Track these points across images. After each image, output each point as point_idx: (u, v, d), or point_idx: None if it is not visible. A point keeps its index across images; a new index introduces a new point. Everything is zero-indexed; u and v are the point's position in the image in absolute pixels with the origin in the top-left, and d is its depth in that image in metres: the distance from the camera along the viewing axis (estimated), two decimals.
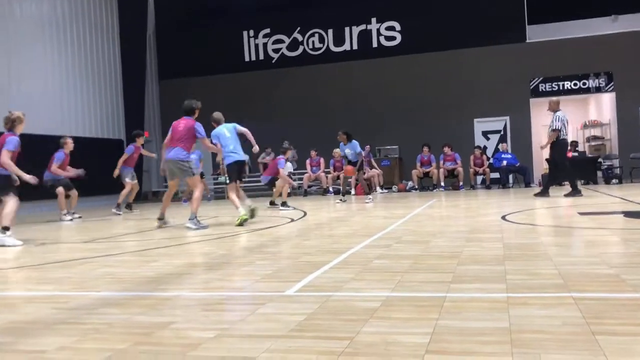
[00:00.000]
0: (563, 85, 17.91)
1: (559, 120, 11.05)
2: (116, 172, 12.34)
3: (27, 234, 8.72)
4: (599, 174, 16.27)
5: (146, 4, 20.10)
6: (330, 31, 19.73)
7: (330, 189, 17.04)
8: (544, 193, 11.21)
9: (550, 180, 11.61)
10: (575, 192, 10.96)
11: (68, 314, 3.28)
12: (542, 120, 20.25)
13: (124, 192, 12.35)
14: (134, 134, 13.19)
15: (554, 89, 17.98)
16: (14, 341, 2.75)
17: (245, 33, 20.47)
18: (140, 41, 19.49)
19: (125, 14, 19.10)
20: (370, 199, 12.48)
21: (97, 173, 12.69)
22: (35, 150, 10.81)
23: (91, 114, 17.31)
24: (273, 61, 20.23)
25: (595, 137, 18.83)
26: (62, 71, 16.52)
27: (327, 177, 17.10)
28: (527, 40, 18.09)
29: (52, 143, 11.72)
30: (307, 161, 17.46)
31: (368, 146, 17.37)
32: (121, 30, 19.13)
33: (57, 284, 4.34)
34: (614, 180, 15.67)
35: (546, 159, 12.31)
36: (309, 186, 17.55)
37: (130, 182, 12.47)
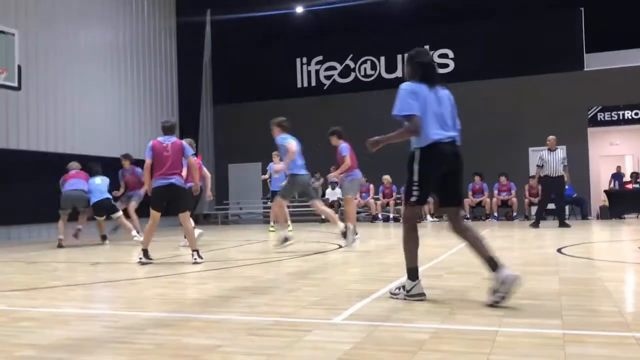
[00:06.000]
0: (623, 114, 17.32)
1: None
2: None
3: (82, 254, 9.00)
4: None
5: (204, 33, 20.76)
6: (382, 58, 19.81)
7: (380, 216, 16.92)
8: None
9: None
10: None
11: (118, 332, 3.34)
12: (600, 151, 19.64)
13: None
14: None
15: (613, 119, 17.41)
16: (67, 357, 2.82)
17: (298, 60, 20.79)
18: (197, 68, 20.10)
19: (183, 41, 19.75)
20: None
21: None
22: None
23: (148, 137, 17.83)
24: (325, 87, 20.42)
25: None
26: (122, 95, 17.15)
27: (376, 203, 17.01)
28: (585, 69, 17.65)
29: (110, 164, 12.15)
30: None
31: None
32: (179, 57, 19.77)
33: (109, 302, 4.44)
34: None
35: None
36: (358, 212, 17.47)
37: None
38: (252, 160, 20.41)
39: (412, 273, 4.04)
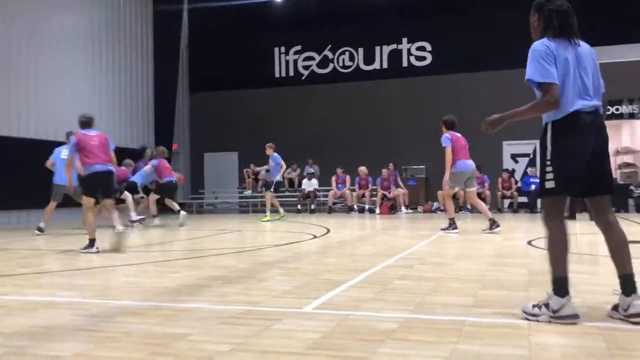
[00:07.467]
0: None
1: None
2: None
3: (53, 242, 8.88)
4: (630, 202, 15.89)
5: (180, 19, 20.50)
6: (360, 50, 19.80)
7: (355, 207, 16.98)
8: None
9: None
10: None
11: (87, 320, 3.31)
12: None
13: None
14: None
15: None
16: (32, 345, 2.78)
17: (276, 49, 20.68)
18: (173, 55, 19.84)
19: (159, 28, 19.49)
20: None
21: None
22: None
23: (122, 124, 17.60)
24: (303, 78, 20.36)
25: (627, 164, 18.41)
26: (97, 82, 16.86)
27: (352, 194, 17.07)
28: None
29: None
30: (333, 178, 17.46)
31: (391, 164, 17.20)
32: (155, 44, 19.51)
33: (79, 290, 4.38)
34: None
35: None
36: (334, 203, 17.52)
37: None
38: (228, 149, 20.30)
39: (559, 285, 3.06)
